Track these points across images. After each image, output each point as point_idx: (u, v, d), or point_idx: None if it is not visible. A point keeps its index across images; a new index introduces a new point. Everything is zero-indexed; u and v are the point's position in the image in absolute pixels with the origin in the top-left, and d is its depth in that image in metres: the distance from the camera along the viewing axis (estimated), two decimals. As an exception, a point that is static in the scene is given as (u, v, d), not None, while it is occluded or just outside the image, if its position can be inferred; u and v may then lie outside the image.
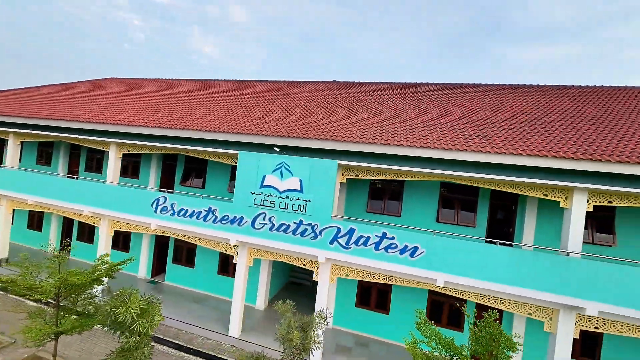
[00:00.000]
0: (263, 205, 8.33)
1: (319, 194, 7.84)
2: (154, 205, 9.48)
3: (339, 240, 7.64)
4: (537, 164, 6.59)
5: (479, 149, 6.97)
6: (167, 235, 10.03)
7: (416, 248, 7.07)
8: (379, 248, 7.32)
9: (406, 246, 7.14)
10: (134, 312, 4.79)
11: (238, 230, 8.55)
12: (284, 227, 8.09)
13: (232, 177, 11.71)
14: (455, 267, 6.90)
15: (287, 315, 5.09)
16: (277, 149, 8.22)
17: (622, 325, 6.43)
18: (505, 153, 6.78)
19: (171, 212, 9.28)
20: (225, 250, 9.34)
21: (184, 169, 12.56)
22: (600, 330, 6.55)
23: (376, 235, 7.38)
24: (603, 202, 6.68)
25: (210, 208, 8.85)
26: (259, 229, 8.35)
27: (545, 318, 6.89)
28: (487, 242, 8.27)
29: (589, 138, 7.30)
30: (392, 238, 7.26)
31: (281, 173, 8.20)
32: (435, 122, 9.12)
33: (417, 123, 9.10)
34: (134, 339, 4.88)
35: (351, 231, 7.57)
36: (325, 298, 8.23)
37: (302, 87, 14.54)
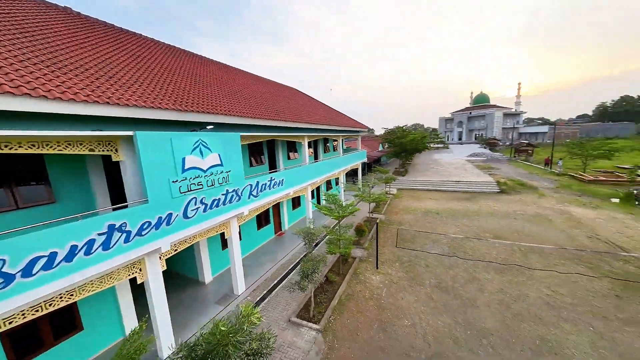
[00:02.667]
0: (191, 190, 7.44)
1: (234, 163, 8.95)
2: None
3: (253, 193, 9.94)
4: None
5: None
6: None
7: (283, 180, 11.87)
8: (271, 187, 11.01)
9: (280, 180, 11.63)
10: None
11: (168, 231, 6.93)
12: (215, 202, 8.27)
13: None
14: (294, 183, 12.94)
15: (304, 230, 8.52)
16: (211, 127, 7.25)
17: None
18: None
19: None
20: (130, 275, 6.61)
21: None
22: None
23: (268, 181, 10.84)
24: (316, 138, 15.97)
25: (112, 226, 5.73)
26: (191, 216, 7.55)
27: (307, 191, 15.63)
28: (270, 171, 14.80)
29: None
30: (274, 179, 11.24)
31: (201, 151, 7.70)
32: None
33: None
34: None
35: (257, 184, 10.17)
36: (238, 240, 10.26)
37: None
